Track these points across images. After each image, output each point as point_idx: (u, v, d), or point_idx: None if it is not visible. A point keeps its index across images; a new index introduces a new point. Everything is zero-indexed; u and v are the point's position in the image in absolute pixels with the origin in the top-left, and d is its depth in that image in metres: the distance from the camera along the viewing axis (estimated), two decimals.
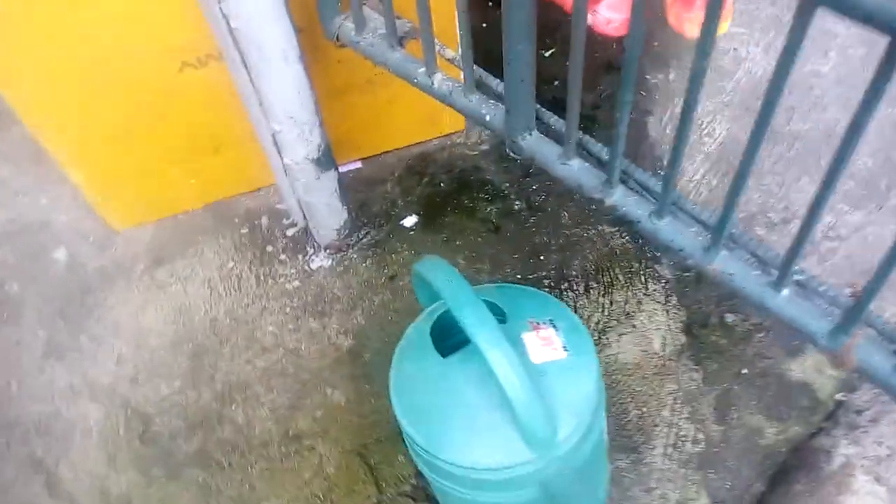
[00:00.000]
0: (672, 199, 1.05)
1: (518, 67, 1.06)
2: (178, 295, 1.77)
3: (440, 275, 1.13)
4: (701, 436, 1.49)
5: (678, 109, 2.02)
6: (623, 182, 1.13)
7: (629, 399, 1.54)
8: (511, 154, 1.22)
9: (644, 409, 1.53)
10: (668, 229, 1.07)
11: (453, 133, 1.98)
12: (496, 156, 1.95)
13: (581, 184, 1.13)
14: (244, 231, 1.87)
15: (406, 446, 1.21)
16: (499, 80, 1.26)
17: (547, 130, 1.22)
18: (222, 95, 1.61)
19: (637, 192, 1.14)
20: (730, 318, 1.64)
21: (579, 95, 1.03)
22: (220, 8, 1.24)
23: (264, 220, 1.88)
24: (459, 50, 1.16)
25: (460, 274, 1.14)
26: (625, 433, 1.51)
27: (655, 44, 2.18)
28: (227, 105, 1.63)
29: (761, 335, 1.60)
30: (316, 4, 1.33)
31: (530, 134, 1.18)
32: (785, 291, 0.99)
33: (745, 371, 1.56)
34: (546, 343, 1.15)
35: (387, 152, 1.96)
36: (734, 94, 2.01)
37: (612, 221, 1.81)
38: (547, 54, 2.18)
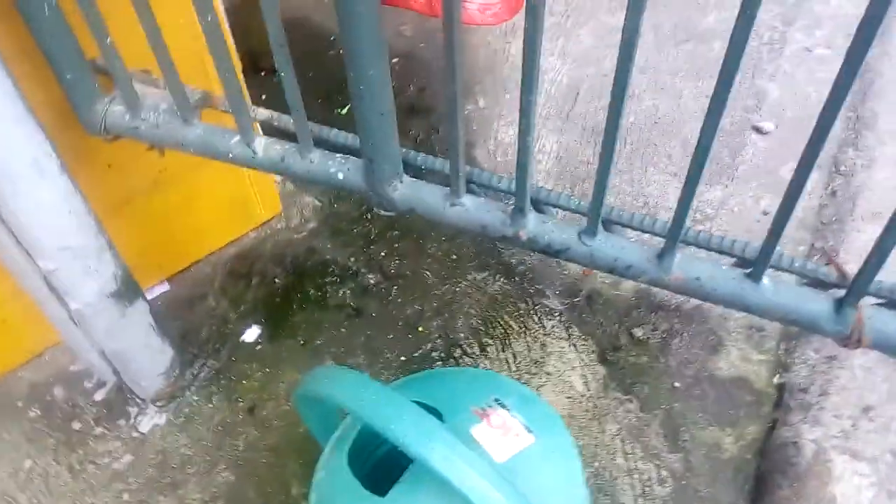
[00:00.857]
0: (601, 210, 0.84)
1: (373, 98, 0.81)
2: None
3: (341, 386, 0.83)
4: (664, 472, 1.30)
5: (501, 135, 1.89)
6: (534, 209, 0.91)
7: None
8: (381, 212, 0.96)
9: (597, 464, 1.30)
10: (606, 248, 0.86)
11: (271, 219, 1.67)
12: (328, 231, 1.67)
13: (484, 224, 0.89)
14: (34, 414, 1.40)
15: None
16: (337, 130, 1.00)
17: (414, 175, 0.97)
18: None
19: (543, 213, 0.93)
20: (638, 332, 1.48)
21: (462, 116, 0.80)
22: None
23: (58, 392, 1.43)
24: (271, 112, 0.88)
25: (365, 374, 0.85)
26: None
27: None
28: None
29: (677, 340, 1.46)
30: (63, 91, 0.99)
31: (401, 181, 0.93)
32: (765, 281, 0.82)
33: (677, 384, 1.40)
34: (504, 431, 0.89)
35: (197, 262, 1.60)
36: (550, 106, 1.91)
37: (480, 267, 1.60)
38: (343, 111, 1.95)
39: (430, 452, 0.76)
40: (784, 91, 1.87)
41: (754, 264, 0.82)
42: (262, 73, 2.01)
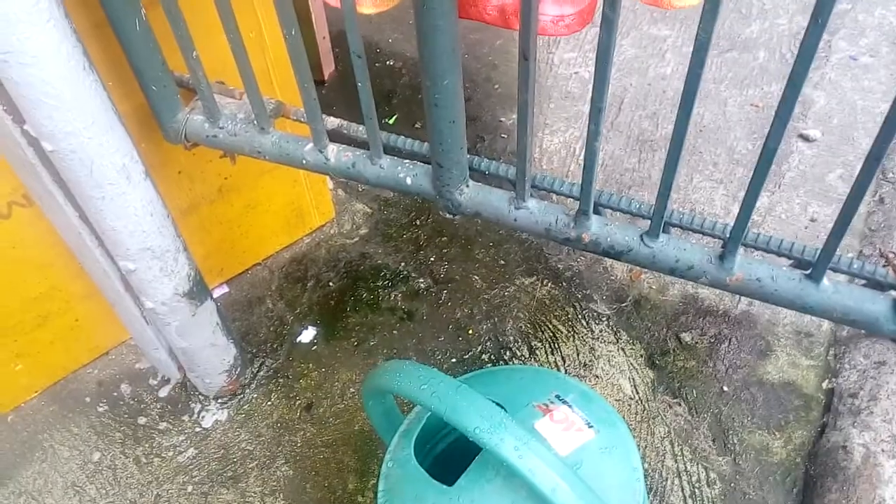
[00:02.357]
0: (665, 213, 0.88)
1: (446, 107, 0.85)
2: None
3: (414, 380, 0.87)
4: (713, 475, 1.32)
5: (546, 144, 1.93)
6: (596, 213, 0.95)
7: None
8: (447, 214, 1.00)
9: (647, 465, 1.33)
10: (668, 249, 0.90)
11: (324, 225, 1.73)
12: (380, 237, 1.72)
13: (548, 226, 0.93)
14: (102, 409, 1.47)
15: None
16: (404, 137, 1.05)
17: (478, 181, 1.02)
18: (37, 251, 1.25)
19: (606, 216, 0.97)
20: (686, 336, 1.50)
21: (532, 120, 0.85)
22: (25, 129, 0.93)
23: (125, 389, 1.49)
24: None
25: (433, 368, 0.89)
26: None
27: (496, 87, 2.10)
28: (46, 262, 1.28)
29: (725, 345, 1.48)
30: (148, 102, 1.05)
31: (467, 185, 0.97)
32: (825, 282, 0.85)
33: (725, 388, 1.42)
34: (566, 426, 0.92)
35: (255, 266, 1.66)
36: None
37: (527, 272, 1.64)
38: (391, 121, 2.01)
39: (500, 442, 0.80)
40: (830, 99, 1.88)
41: (814, 265, 0.84)
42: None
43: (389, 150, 1.03)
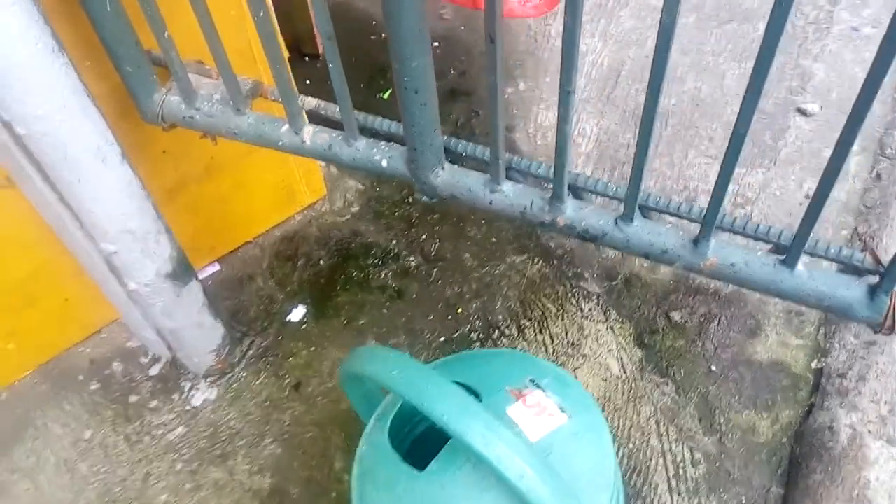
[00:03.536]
0: (638, 196, 0.87)
1: (416, 89, 0.84)
2: (30, 494, 1.35)
3: (384, 366, 0.87)
4: (698, 455, 1.32)
5: (541, 119, 1.91)
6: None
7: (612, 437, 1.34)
8: (423, 198, 0.99)
9: (631, 445, 1.33)
10: (642, 233, 0.89)
11: (315, 202, 1.72)
12: (371, 214, 1.71)
13: (523, 210, 0.92)
14: (94, 387, 1.48)
15: None
16: (381, 118, 1.04)
17: (454, 161, 1.00)
18: (22, 231, 1.25)
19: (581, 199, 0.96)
20: (676, 316, 1.49)
21: (503, 107, 0.83)
22: None
23: (117, 367, 1.51)
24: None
25: (405, 354, 0.89)
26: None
27: None
28: (32, 241, 1.28)
29: (714, 324, 1.47)
30: (123, 82, 1.04)
31: (443, 168, 0.96)
32: (800, 267, 0.84)
33: (713, 368, 1.42)
34: (538, 411, 0.92)
35: (246, 244, 1.66)
36: (590, 89, 1.92)
37: (518, 250, 1.63)
38: (385, 96, 1.99)
39: (467, 430, 0.80)
40: (830, 72, 1.84)
41: (789, 251, 0.83)
42: (306, 59, 2.06)
43: (367, 132, 1.02)
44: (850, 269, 0.86)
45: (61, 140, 0.93)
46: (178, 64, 0.98)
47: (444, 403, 0.81)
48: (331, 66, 0.87)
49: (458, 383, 0.90)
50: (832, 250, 0.86)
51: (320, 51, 2.04)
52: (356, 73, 1.95)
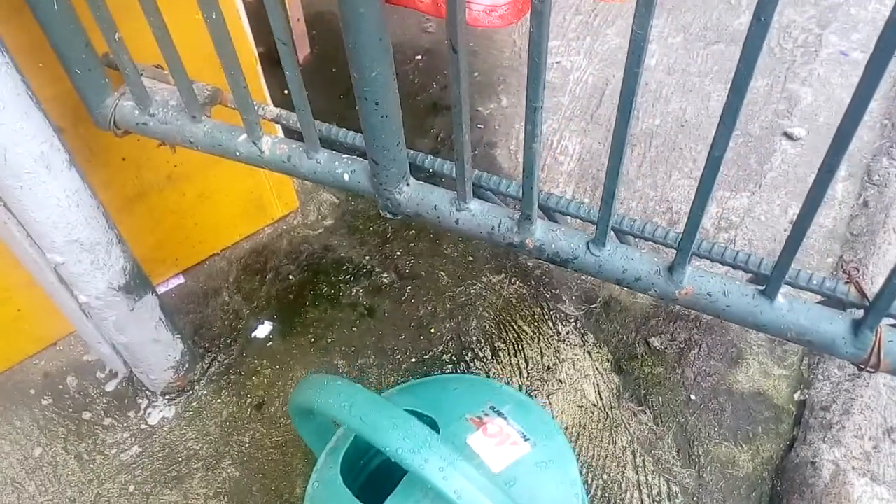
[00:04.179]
0: (611, 219, 0.81)
1: (377, 101, 0.79)
2: None
3: (334, 397, 0.81)
4: (675, 488, 1.26)
5: (522, 136, 1.86)
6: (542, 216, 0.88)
7: (585, 468, 1.28)
8: (387, 215, 0.94)
9: (606, 477, 1.27)
10: (615, 258, 0.83)
11: (287, 215, 1.67)
12: (345, 228, 1.66)
13: (490, 229, 0.87)
14: (46, 402, 1.42)
15: None
16: (345, 130, 0.99)
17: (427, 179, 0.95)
18: None
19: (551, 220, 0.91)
20: (655, 341, 1.44)
21: (468, 120, 0.78)
22: None
23: (71, 381, 1.44)
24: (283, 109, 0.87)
25: (355, 382, 0.83)
26: None
27: (475, 74, 2.02)
28: None
29: (695, 351, 1.42)
30: (73, 85, 0.98)
31: (408, 184, 0.91)
32: (780, 299, 0.79)
33: (693, 397, 1.37)
34: (500, 440, 0.87)
35: (213, 256, 1.60)
36: (574, 107, 1.88)
37: (495, 269, 1.58)
38: None
39: (424, 463, 0.74)
40: (818, 96, 1.81)
41: (769, 280, 0.78)
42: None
43: (329, 144, 0.96)
44: (834, 301, 0.82)
45: (0, 144, 0.88)
46: (130, 67, 0.93)
47: (398, 436, 0.75)
48: (287, 73, 0.82)
49: (414, 412, 0.84)
50: (815, 281, 0.81)
51: (300, 61, 2.00)
52: (336, 83, 1.91)
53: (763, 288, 0.80)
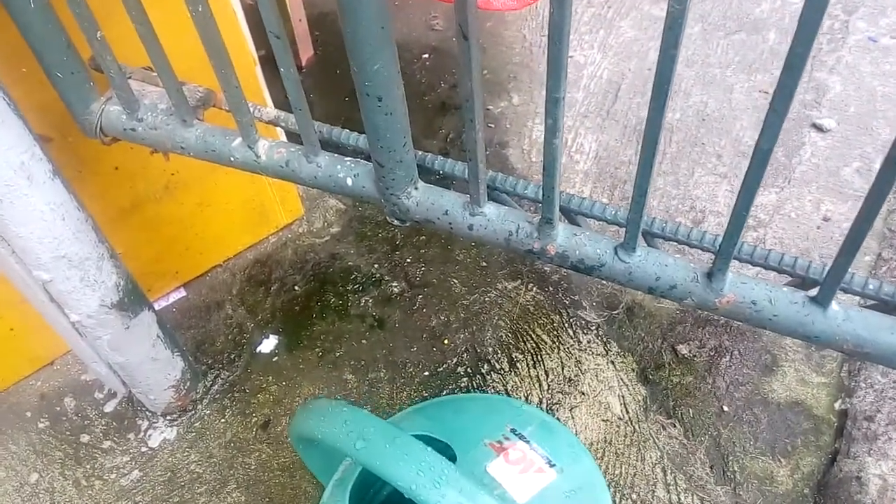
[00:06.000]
0: (642, 223, 0.74)
1: (380, 97, 0.71)
2: None
3: (338, 427, 0.74)
4: None
5: (536, 134, 1.78)
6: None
7: (613, 488, 1.20)
8: (394, 222, 0.86)
9: (635, 496, 1.19)
10: (646, 265, 0.75)
11: (292, 223, 1.60)
12: (353, 235, 1.58)
13: (508, 236, 0.79)
14: (43, 425, 1.35)
15: None
16: (347, 131, 0.92)
17: (431, 182, 0.88)
18: None
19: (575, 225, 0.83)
20: (683, 349, 1.36)
21: (481, 117, 0.70)
22: None
23: (69, 402, 1.37)
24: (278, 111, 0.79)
25: (361, 409, 0.76)
26: None
27: (484, 72, 1.94)
28: None
29: (726, 359, 1.34)
30: (55, 90, 0.92)
31: (416, 188, 0.83)
32: (834, 307, 0.71)
33: (725, 408, 1.28)
34: (524, 467, 0.79)
35: (215, 268, 1.53)
36: (589, 103, 1.80)
37: (511, 275, 1.50)
38: None
39: (441, 501, 0.67)
40: (846, 85, 1.72)
41: (822, 286, 0.70)
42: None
43: (332, 147, 0.89)
44: (892, 307, 0.73)
45: None
46: (114, 68, 0.86)
47: (412, 470, 0.68)
48: (282, 69, 0.75)
49: (427, 437, 0.77)
50: (871, 286, 0.73)
51: (303, 63, 1.93)
52: (341, 85, 1.83)
53: (814, 295, 0.71)
